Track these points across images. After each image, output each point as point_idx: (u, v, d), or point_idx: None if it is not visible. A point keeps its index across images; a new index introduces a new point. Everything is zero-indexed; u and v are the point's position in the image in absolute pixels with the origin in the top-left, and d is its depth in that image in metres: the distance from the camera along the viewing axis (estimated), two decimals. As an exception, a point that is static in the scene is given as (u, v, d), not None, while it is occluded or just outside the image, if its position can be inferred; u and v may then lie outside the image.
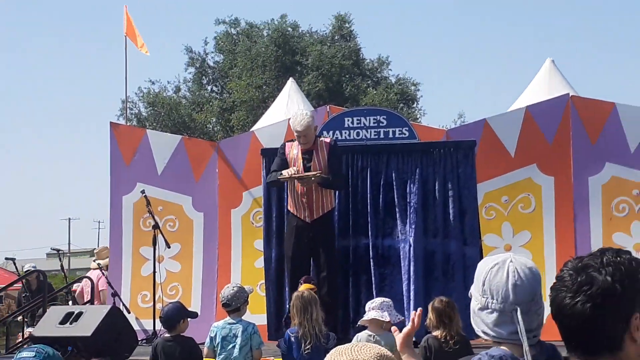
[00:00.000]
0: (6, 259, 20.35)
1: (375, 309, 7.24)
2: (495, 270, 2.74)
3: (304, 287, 7.96)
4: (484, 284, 2.74)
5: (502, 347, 2.73)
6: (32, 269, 14.38)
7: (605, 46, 73.05)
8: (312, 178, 8.73)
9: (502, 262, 2.76)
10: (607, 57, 73.03)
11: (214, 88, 41.74)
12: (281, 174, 8.82)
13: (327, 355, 2.29)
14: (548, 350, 2.74)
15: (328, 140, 9.21)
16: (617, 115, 10.81)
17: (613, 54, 73.40)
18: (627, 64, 73.61)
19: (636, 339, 2.23)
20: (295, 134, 8.92)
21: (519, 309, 2.67)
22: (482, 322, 2.75)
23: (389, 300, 7.46)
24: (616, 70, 72.71)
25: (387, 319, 7.20)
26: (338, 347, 2.36)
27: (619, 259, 2.26)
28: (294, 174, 8.77)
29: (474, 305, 2.78)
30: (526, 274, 2.72)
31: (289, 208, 9.15)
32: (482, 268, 2.79)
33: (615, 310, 2.21)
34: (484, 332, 2.76)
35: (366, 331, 7.20)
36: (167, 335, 7.54)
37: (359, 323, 7.41)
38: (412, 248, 9.23)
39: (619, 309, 2.22)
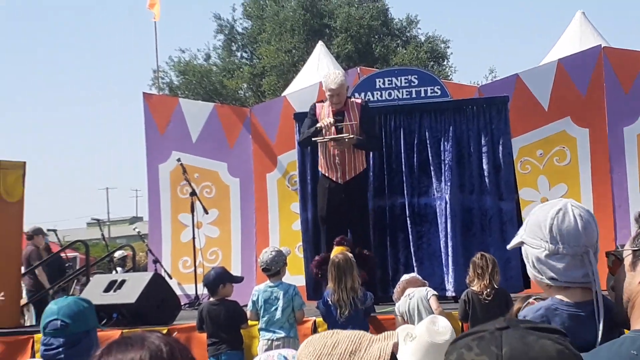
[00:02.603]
0: (47, 230, 20.67)
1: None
2: (561, 216, 2.69)
3: (337, 250, 7.99)
4: (551, 230, 2.68)
5: (557, 296, 2.70)
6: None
7: (637, -5, 71.89)
8: (347, 140, 8.74)
9: (564, 207, 2.71)
10: (638, 6, 71.92)
11: (244, 54, 41.69)
12: (316, 126, 8.81)
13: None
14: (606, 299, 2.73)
15: (359, 101, 9.21)
16: None
17: (645, 2, 72.23)
18: (660, 12, 72.45)
19: None
20: (328, 93, 8.91)
21: (590, 251, 2.66)
22: (549, 269, 2.70)
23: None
24: (649, 19, 71.67)
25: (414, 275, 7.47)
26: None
27: None
28: (330, 123, 8.75)
29: (539, 253, 2.71)
30: (589, 216, 2.71)
31: (320, 169, 9.18)
32: (544, 215, 2.73)
33: None
34: (553, 279, 2.71)
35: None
36: (212, 299, 7.65)
37: (397, 297, 7.52)
38: (448, 205, 9.25)
39: None
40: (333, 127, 8.82)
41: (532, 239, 2.75)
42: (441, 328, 4.51)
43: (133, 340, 1.87)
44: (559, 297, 2.70)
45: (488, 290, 7.06)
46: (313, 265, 8.74)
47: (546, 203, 2.81)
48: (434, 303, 7.12)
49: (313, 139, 8.85)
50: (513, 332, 1.59)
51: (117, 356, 1.83)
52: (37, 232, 13.49)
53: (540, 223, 2.73)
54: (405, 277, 7.52)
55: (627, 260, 2.34)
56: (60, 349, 3.55)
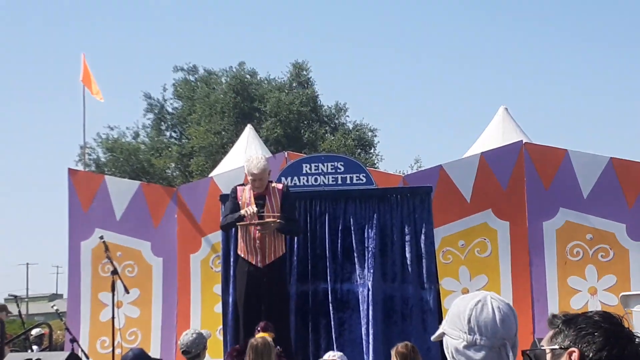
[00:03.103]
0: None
1: None
2: (480, 307, 2.73)
3: (261, 335, 7.91)
4: (469, 321, 2.72)
5: None
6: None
7: (557, 94, 74.28)
8: (272, 224, 8.78)
9: (483, 298, 2.75)
10: (559, 105, 74.23)
11: (173, 134, 41.73)
12: (240, 213, 8.86)
13: None
14: None
15: (280, 186, 9.28)
16: (569, 162, 11.04)
17: (565, 101, 74.62)
18: (579, 110, 74.86)
19: None
20: (250, 177, 8.96)
21: (507, 343, 2.69)
22: (467, 359, 2.74)
23: (340, 353, 7.54)
24: (568, 117, 73.90)
25: None
26: None
27: None
28: (254, 212, 8.81)
29: (457, 343, 2.75)
30: (508, 309, 2.75)
31: (239, 253, 9.16)
32: (464, 306, 2.77)
33: None
34: None
35: None
36: (128, 380, 7.52)
37: None
38: (370, 292, 9.30)
39: None
40: (256, 216, 8.86)
41: (452, 330, 2.77)
42: None
43: None
44: None
45: None
46: (228, 355, 8.61)
47: (468, 294, 2.85)
48: None
49: (239, 215, 8.87)
50: None
51: None
52: (1, 308, 13.29)
53: (460, 314, 2.76)
54: (330, 355, 7.39)
55: (547, 357, 2.39)
56: None
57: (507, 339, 2.70)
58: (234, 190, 9.14)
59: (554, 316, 2.49)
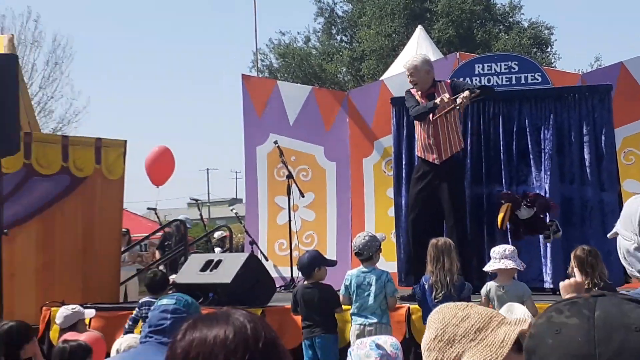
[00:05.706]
0: (148, 209, 21.17)
1: (499, 258, 6.98)
2: None
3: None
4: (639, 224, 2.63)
5: None
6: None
7: None
8: (468, 98, 8.36)
9: None
10: None
11: (344, 38, 41.70)
12: (433, 102, 8.53)
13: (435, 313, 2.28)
14: None
15: (449, 81, 9.01)
16: None
17: None
18: None
19: None
20: (407, 74, 8.83)
21: None
22: (638, 261, 2.66)
23: (512, 247, 7.22)
24: None
25: (511, 266, 6.92)
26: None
27: None
28: (450, 98, 8.40)
29: (628, 245, 2.67)
30: None
31: (417, 153, 9.05)
32: (635, 206, 2.67)
33: None
34: None
35: (494, 282, 7.01)
36: (306, 282, 7.67)
37: (488, 270, 7.17)
38: (547, 195, 9.09)
39: None
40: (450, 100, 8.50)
41: (624, 230, 2.70)
42: (519, 316, 4.40)
43: (218, 317, 1.90)
44: None
45: (600, 285, 6.80)
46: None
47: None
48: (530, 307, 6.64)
49: (435, 102, 8.51)
50: (609, 299, 1.53)
51: (203, 331, 1.88)
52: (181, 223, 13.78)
53: (631, 215, 2.68)
54: (494, 265, 7.07)
55: None
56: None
57: None
58: (409, 91, 8.99)
59: None
